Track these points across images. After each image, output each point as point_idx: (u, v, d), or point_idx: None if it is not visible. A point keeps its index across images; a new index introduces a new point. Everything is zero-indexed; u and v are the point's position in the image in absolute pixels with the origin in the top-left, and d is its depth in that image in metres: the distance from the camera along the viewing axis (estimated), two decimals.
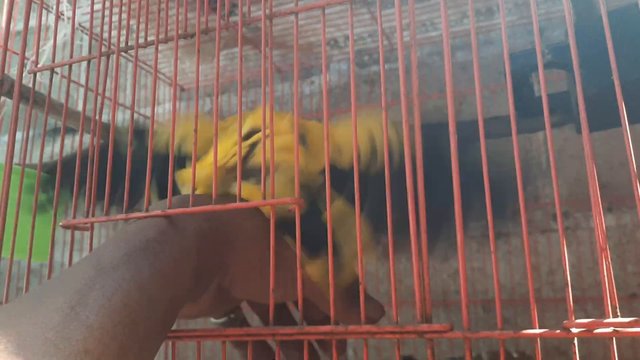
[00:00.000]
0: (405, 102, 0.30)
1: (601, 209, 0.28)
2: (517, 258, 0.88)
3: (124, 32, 0.37)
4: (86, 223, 0.35)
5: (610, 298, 0.26)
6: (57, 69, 0.41)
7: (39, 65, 0.39)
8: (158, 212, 0.32)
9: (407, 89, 0.30)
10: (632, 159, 0.26)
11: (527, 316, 0.84)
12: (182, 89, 1.19)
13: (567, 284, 0.27)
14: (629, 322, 0.25)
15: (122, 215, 0.34)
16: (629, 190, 0.83)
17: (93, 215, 0.35)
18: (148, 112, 1.13)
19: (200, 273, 0.33)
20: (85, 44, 1.10)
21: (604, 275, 0.26)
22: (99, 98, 0.36)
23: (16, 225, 0.35)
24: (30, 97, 0.40)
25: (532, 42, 0.85)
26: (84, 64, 0.38)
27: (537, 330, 0.27)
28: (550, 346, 0.84)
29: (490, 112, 0.54)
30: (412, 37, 0.31)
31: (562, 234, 0.28)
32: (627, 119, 0.27)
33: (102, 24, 0.38)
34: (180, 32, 0.36)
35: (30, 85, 0.39)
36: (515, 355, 0.70)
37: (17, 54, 0.40)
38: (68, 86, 0.37)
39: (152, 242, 0.31)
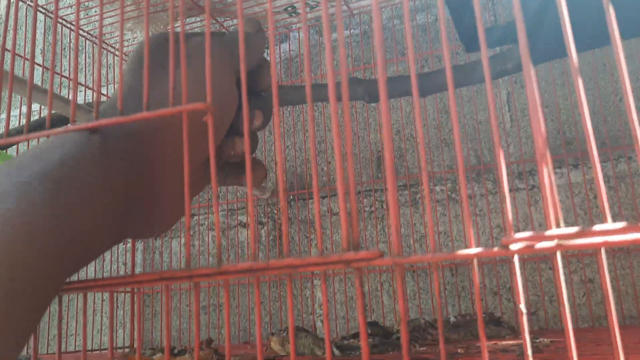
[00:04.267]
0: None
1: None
2: (483, 220, 0.86)
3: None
4: None
5: (552, 209, 0.23)
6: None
7: None
8: (60, 129, 0.29)
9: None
10: (585, 116, 0.23)
11: (499, 281, 0.82)
12: None
13: (504, 196, 0.24)
14: (575, 233, 0.23)
15: (23, 137, 0.30)
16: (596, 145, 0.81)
17: None
18: (106, 91, 1.09)
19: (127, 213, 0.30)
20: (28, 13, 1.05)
21: (543, 183, 0.23)
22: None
23: None
24: None
25: None
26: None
27: (473, 250, 0.24)
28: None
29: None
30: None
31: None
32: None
33: None
34: None
35: None
36: (484, 315, 0.67)
37: None
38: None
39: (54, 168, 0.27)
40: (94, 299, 0.97)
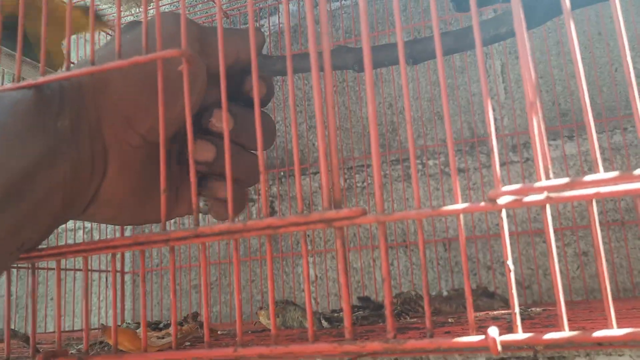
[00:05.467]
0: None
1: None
2: (477, 193, 0.85)
3: None
4: None
5: (542, 158, 0.22)
6: None
7: None
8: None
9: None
10: (583, 87, 0.22)
11: (493, 256, 0.81)
12: None
13: (492, 149, 0.23)
14: (565, 184, 0.21)
15: None
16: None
17: None
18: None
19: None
20: None
21: (532, 130, 0.22)
22: None
23: None
24: None
25: None
26: None
27: (459, 205, 0.23)
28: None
29: None
30: None
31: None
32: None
33: None
34: None
35: None
36: (477, 289, 0.66)
37: None
38: None
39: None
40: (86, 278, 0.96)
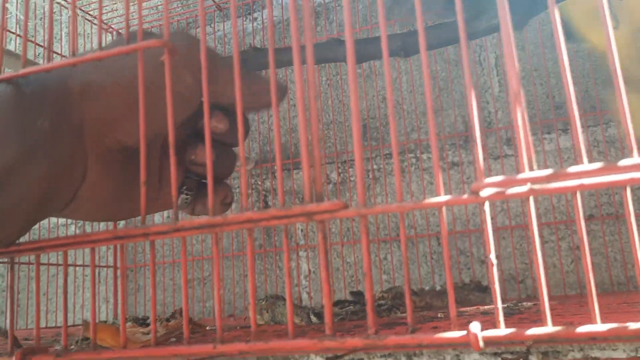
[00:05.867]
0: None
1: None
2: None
3: None
4: None
5: (525, 149, 0.21)
6: None
7: None
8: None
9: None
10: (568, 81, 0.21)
11: (483, 247, 0.81)
12: (119, 33, 1.12)
13: (475, 141, 0.22)
14: (548, 176, 0.21)
15: None
16: (584, 110, 0.80)
17: None
18: None
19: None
20: None
21: (517, 121, 0.22)
22: None
23: None
24: None
25: None
26: None
27: (442, 198, 0.22)
28: (507, 275, 0.81)
29: None
30: None
31: None
32: None
33: None
34: None
35: None
36: (470, 283, 0.66)
37: None
38: None
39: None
40: (76, 274, 0.95)
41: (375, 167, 0.90)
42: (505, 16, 0.24)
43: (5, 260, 0.57)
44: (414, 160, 0.88)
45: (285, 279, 0.86)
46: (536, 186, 0.21)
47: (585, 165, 0.21)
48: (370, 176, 0.90)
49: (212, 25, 1.06)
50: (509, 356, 0.37)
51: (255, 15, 1.04)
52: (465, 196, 0.22)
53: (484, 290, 0.61)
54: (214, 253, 0.26)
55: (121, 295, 0.27)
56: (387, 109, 0.91)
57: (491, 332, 0.20)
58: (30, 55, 1.12)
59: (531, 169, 0.21)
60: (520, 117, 0.22)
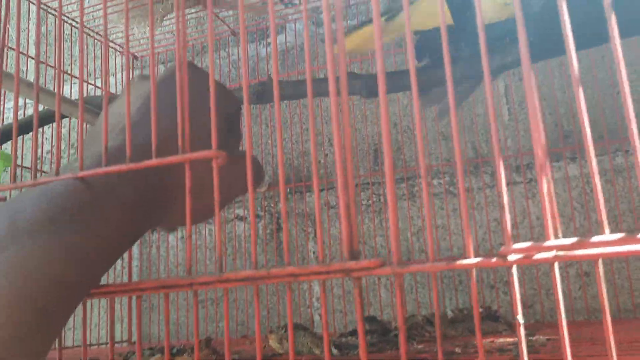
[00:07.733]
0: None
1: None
2: (480, 214, 0.86)
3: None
4: None
5: (551, 218, 0.23)
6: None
7: None
8: (69, 174, 0.29)
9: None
10: (582, 107, 0.23)
11: (496, 275, 0.82)
12: (135, 58, 1.14)
13: (502, 206, 0.24)
14: (572, 244, 0.23)
15: (30, 182, 0.30)
16: (592, 139, 0.81)
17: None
18: (99, 83, 1.08)
19: (136, 233, 0.32)
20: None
21: (542, 192, 0.23)
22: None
23: None
24: None
25: None
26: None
27: (472, 260, 0.24)
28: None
29: None
30: None
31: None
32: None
33: None
34: None
35: None
36: (481, 311, 0.68)
37: None
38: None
39: (83, 205, 0.28)
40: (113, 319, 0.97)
41: (382, 192, 0.92)
42: (527, 56, 0.26)
43: None
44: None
45: (307, 301, 0.87)
46: (561, 253, 0.23)
47: (608, 236, 0.22)
48: (381, 200, 0.92)
49: (227, 50, 1.08)
50: None
51: (269, 40, 1.06)
52: (494, 259, 0.24)
53: (496, 319, 0.63)
54: (256, 304, 0.28)
55: (166, 335, 0.29)
56: (397, 134, 0.93)
57: None
58: (46, 78, 1.14)
59: (557, 236, 0.23)
60: (546, 188, 0.24)
